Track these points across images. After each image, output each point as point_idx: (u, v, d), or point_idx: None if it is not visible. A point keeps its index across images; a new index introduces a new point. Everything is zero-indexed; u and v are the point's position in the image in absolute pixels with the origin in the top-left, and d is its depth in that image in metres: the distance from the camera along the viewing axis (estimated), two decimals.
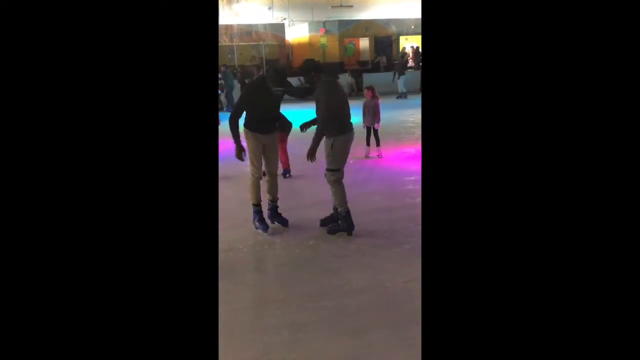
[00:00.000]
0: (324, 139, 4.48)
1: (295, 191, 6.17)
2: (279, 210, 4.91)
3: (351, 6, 21.91)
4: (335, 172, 4.48)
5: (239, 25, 19.93)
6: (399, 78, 17.05)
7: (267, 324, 3.14)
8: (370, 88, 7.96)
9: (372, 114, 7.73)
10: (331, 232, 4.62)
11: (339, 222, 4.61)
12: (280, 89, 4.56)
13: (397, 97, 16.27)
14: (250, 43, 20.28)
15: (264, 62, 20.33)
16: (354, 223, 4.56)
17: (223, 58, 19.13)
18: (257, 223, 4.77)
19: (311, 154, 4.46)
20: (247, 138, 4.66)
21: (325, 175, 4.53)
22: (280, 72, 4.72)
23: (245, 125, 4.69)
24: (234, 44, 19.91)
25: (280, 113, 4.92)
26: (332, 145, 4.41)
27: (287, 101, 4.91)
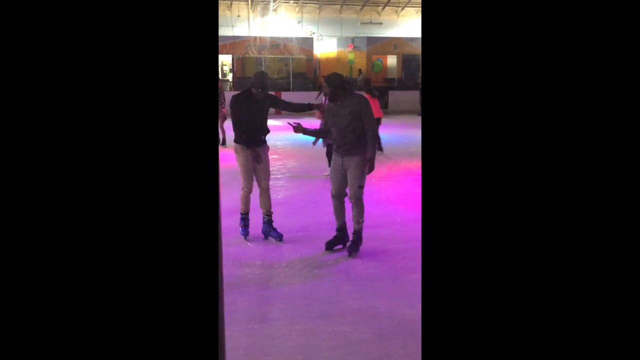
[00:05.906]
0: (334, 156, 4.47)
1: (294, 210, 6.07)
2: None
3: (380, 23, 21.96)
4: (363, 188, 4.42)
5: (267, 37, 20.06)
6: None
7: (280, 346, 3.02)
8: None
9: None
10: (330, 247, 4.57)
11: (352, 240, 4.53)
12: (261, 90, 4.56)
13: None
14: (279, 56, 20.37)
15: (291, 75, 20.47)
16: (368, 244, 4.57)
17: (252, 70, 19.25)
18: (240, 229, 4.87)
19: (372, 167, 4.39)
20: (237, 152, 4.72)
21: (357, 194, 4.39)
22: (262, 75, 4.74)
23: (235, 140, 4.76)
24: (262, 56, 20.02)
25: (267, 127, 4.82)
26: (367, 161, 4.34)
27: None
